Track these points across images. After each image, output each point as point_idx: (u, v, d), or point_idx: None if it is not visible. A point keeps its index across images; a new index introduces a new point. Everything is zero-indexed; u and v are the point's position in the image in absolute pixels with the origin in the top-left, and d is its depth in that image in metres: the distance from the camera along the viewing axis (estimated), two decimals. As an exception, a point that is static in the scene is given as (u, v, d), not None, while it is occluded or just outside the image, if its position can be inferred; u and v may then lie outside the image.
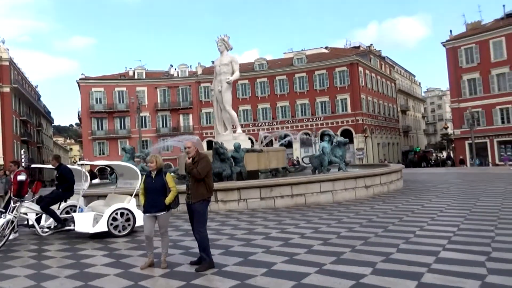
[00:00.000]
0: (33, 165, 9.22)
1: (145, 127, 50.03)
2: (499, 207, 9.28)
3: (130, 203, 8.14)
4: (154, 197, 5.36)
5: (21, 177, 9.18)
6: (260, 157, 15.52)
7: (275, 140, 21.11)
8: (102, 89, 50.77)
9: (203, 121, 53.18)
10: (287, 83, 51.10)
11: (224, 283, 4.65)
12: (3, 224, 7.11)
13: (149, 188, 5.40)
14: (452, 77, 42.87)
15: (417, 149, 64.93)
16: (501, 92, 39.53)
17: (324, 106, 49.52)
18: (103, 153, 50.12)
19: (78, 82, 50.73)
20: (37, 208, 7.67)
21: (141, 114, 47.63)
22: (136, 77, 53.44)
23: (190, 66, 56.98)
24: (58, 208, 8.23)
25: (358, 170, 17.00)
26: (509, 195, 11.43)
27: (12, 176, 9.79)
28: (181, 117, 52.99)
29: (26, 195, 8.79)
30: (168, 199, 5.39)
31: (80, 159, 71.84)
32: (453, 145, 72.22)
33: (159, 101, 52.42)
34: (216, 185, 10.23)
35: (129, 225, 7.99)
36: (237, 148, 14.13)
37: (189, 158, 5.38)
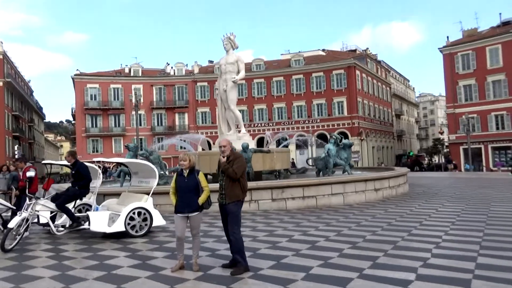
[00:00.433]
0: (44, 161, 8.92)
1: (140, 125, 49.45)
2: (515, 212, 9.27)
3: (147, 202, 7.91)
4: (187, 196, 5.17)
5: (30, 173, 8.92)
6: (266, 158, 15.36)
7: (270, 141, 21.20)
8: (97, 85, 50.10)
9: (198, 121, 52.83)
10: (284, 85, 51.06)
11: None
12: (18, 222, 6.83)
13: (182, 187, 5.20)
14: (449, 83, 43.26)
15: (411, 154, 65.52)
16: (496, 99, 40.01)
17: (320, 108, 49.59)
18: (97, 151, 49.46)
19: (73, 78, 49.98)
20: (52, 206, 7.40)
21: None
22: (132, 74, 52.88)
23: (187, 65, 56.63)
24: (74, 207, 7.96)
25: (360, 173, 16.97)
26: (520, 200, 11.46)
27: (21, 172, 9.54)
28: (176, 116, 52.57)
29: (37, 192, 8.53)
30: (201, 199, 5.20)
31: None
32: (446, 150, 73.06)
33: (154, 99, 51.93)
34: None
35: (146, 225, 7.76)
36: (245, 148, 13.94)
37: (223, 157, 5.20)
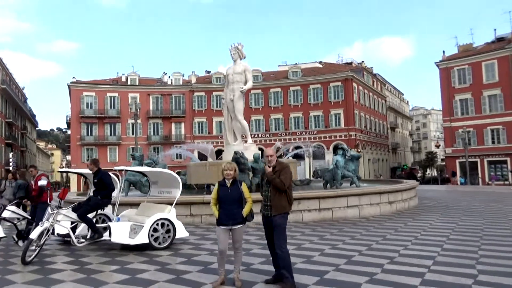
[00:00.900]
0: (59, 169, 8.63)
1: (136, 134, 48.90)
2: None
3: (171, 213, 7.63)
4: (231, 208, 4.93)
5: (42, 182, 8.63)
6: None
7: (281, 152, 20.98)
8: (93, 94, 49.59)
9: (195, 130, 52.50)
10: (281, 96, 51.14)
11: (322, 305, 4.26)
12: (40, 233, 6.50)
13: (226, 199, 4.96)
14: (445, 97, 43.72)
15: (405, 166, 65.93)
16: (492, 113, 40.47)
17: (317, 120, 49.67)
18: (91, 160, 48.66)
19: (69, 86, 49.42)
20: (74, 216, 7.08)
21: (132, 121, 46.74)
22: (129, 83, 52.50)
23: (184, 74, 56.46)
24: (94, 217, 7.65)
25: (367, 185, 16.83)
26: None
27: (32, 181, 9.21)
28: (173, 125, 52.17)
29: (52, 202, 8.21)
30: (245, 211, 4.98)
31: (67, 165, 70.14)
32: (439, 163, 73.59)
33: (151, 108, 51.53)
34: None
35: (169, 237, 7.47)
36: (256, 158, 13.72)
37: (269, 167, 4.99)
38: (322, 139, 48.11)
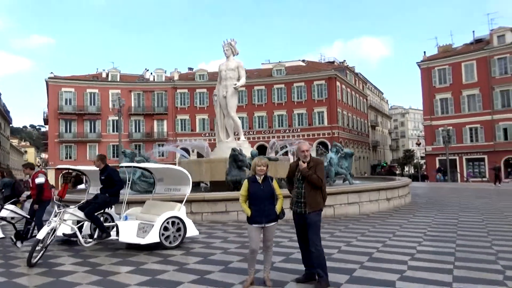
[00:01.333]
0: (59, 166, 8.20)
1: (117, 131, 47.88)
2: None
3: (181, 211, 7.37)
4: (264, 205, 4.74)
5: (40, 179, 8.21)
6: (271, 166, 14.99)
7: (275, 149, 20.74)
8: (72, 89, 48.15)
9: (178, 128, 51.79)
10: (265, 94, 51.08)
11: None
12: (46, 233, 6.12)
13: (257, 195, 4.75)
14: (426, 96, 44.68)
15: (384, 164, 67.25)
16: (470, 112, 41.64)
17: (301, 118, 49.88)
18: (70, 157, 47.31)
19: (47, 81, 47.80)
20: (81, 215, 6.72)
21: (113, 118, 45.68)
22: (109, 79, 51.25)
23: (166, 71, 55.54)
24: (101, 216, 7.29)
25: (360, 182, 16.95)
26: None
27: (30, 179, 8.76)
28: (155, 122, 51.30)
29: (53, 199, 7.80)
30: (278, 207, 4.81)
31: (45, 164, 68.06)
32: (416, 160, 75.33)
33: (133, 105, 50.49)
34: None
35: (180, 235, 7.21)
36: (254, 156, 13.51)
37: (303, 163, 4.82)
38: (306, 136, 48.22)
